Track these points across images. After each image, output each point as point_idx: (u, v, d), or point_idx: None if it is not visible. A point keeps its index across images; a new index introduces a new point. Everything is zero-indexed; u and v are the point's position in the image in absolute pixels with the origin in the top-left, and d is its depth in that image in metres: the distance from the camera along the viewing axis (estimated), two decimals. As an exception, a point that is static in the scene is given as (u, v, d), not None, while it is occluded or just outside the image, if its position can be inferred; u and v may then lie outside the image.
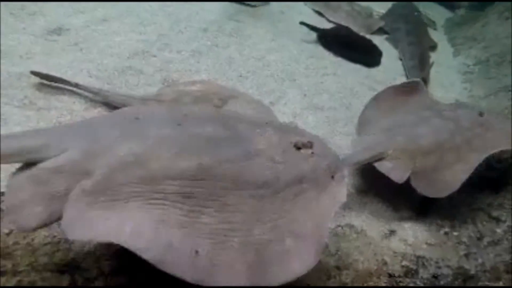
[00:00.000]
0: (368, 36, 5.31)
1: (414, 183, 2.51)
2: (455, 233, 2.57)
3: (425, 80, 4.59)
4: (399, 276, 2.16)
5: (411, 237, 2.50)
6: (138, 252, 1.20)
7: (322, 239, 1.45)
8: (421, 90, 3.19)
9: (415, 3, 6.66)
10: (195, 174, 1.42)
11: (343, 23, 5.40)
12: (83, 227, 1.24)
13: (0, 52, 2.83)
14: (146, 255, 1.20)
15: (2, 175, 1.94)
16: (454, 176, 2.50)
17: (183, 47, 3.76)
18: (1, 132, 1.57)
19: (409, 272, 2.20)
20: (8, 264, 1.54)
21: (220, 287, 1.26)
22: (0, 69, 2.68)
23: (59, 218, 1.30)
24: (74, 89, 2.72)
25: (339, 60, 4.66)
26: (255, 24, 4.74)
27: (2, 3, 3.33)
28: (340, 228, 2.40)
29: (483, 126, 2.76)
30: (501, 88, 4.45)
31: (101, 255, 1.69)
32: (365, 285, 2.07)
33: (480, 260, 2.36)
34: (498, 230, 2.58)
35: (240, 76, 3.69)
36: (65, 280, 1.56)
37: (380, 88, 3.59)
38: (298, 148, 1.70)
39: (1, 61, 2.76)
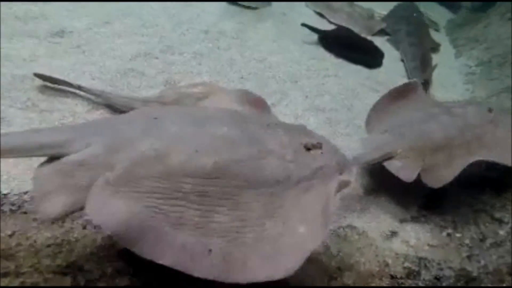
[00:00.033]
0: (369, 38, 5.29)
1: (424, 179, 2.50)
2: (458, 235, 2.56)
3: (428, 82, 4.58)
4: (401, 278, 2.16)
5: (413, 238, 2.49)
6: (154, 260, 1.26)
7: (329, 213, 1.53)
8: (420, 91, 3.19)
9: (417, 3, 6.65)
10: (210, 172, 1.49)
11: (344, 24, 5.39)
12: (107, 213, 1.31)
13: (4, 55, 2.85)
14: (161, 261, 1.26)
15: (2, 177, 1.95)
16: (461, 165, 2.50)
17: (185, 49, 3.77)
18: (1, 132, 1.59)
19: (411, 274, 2.19)
20: (11, 265, 1.55)
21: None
22: (4, 72, 2.70)
23: (81, 208, 1.36)
24: (77, 91, 2.74)
25: (341, 62, 4.65)
26: (256, 25, 4.75)
27: (7, 7, 3.35)
28: (341, 229, 2.39)
29: (493, 122, 2.76)
30: (503, 89, 4.44)
31: (104, 257, 1.70)
32: (367, 286, 2.07)
33: (482, 262, 2.35)
34: (501, 232, 2.58)
35: (242, 77, 3.69)
36: (67, 281, 1.57)
37: (381, 89, 3.59)
38: (308, 149, 1.77)
39: (5, 63, 2.78)
